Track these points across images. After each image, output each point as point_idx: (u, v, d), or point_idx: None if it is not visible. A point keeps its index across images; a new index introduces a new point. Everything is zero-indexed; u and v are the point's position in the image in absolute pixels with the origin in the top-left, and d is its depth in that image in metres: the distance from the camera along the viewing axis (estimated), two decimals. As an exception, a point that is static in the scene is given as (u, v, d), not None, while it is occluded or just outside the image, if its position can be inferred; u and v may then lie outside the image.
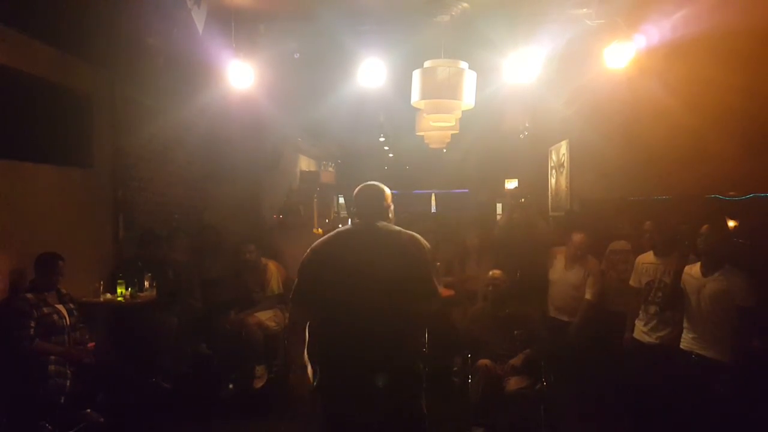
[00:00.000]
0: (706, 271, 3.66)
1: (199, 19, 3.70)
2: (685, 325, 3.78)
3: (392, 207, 2.85)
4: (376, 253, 2.59)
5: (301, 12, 4.51)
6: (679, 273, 3.81)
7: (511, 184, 10.62)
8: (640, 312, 4.15)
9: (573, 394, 4.63)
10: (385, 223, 2.73)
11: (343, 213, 15.49)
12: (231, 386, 5.14)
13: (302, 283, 2.67)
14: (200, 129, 6.85)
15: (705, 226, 3.67)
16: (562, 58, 4.84)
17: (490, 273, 4.73)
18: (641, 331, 4.12)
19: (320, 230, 11.95)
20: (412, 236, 2.68)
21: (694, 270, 3.75)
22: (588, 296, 4.75)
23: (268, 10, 4.52)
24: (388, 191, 2.87)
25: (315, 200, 12.47)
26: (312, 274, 2.65)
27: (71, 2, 3.89)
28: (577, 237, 4.86)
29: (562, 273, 4.96)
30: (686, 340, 3.74)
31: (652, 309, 4.05)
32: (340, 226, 12.50)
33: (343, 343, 2.57)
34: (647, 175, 5.34)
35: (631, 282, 4.28)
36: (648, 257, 4.19)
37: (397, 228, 2.70)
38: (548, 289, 5.09)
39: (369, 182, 2.86)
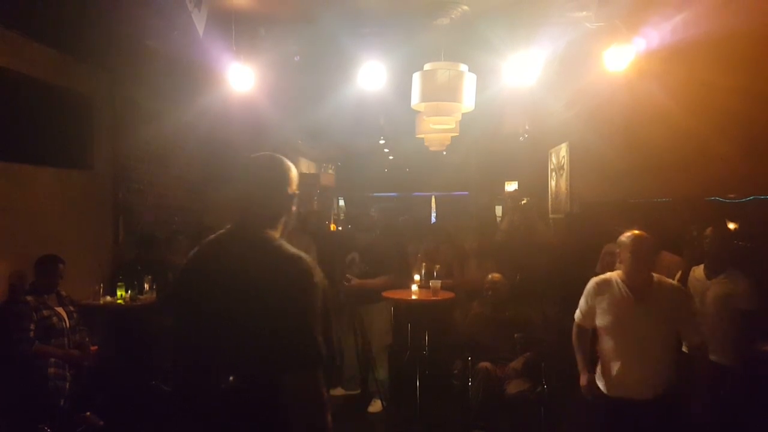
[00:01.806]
0: (710, 274, 3.66)
1: (199, 22, 3.70)
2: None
3: (294, 198, 1.88)
4: (242, 285, 1.68)
5: (301, 15, 4.52)
6: (685, 275, 3.80)
7: (511, 186, 10.61)
8: None
9: (573, 397, 4.62)
10: (270, 235, 1.79)
11: (343, 216, 15.49)
12: (231, 378, 5.14)
13: (177, 317, 1.86)
14: (200, 131, 6.85)
15: (709, 229, 3.66)
16: (561, 61, 4.84)
17: (489, 276, 4.73)
18: None
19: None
20: (297, 261, 1.71)
21: (698, 272, 3.75)
22: (697, 341, 3.02)
23: (268, 13, 4.52)
24: (291, 171, 1.86)
25: (315, 203, 12.48)
26: (179, 305, 1.85)
27: (71, 4, 3.89)
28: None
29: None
30: (688, 343, 3.74)
31: None
32: (339, 228, 12.23)
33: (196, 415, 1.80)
34: (647, 177, 5.34)
35: None
36: None
37: (280, 244, 1.77)
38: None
39: (261, 154, 1.88)
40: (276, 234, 1.82)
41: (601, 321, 3.07)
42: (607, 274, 3.16)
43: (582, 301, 3.18)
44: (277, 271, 1.69)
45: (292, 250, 1.75)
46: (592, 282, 3.15)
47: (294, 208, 1.89)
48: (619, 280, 3.05)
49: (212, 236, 1.87)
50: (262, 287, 1.67)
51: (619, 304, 2.99)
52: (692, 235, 4.05)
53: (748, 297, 3.48)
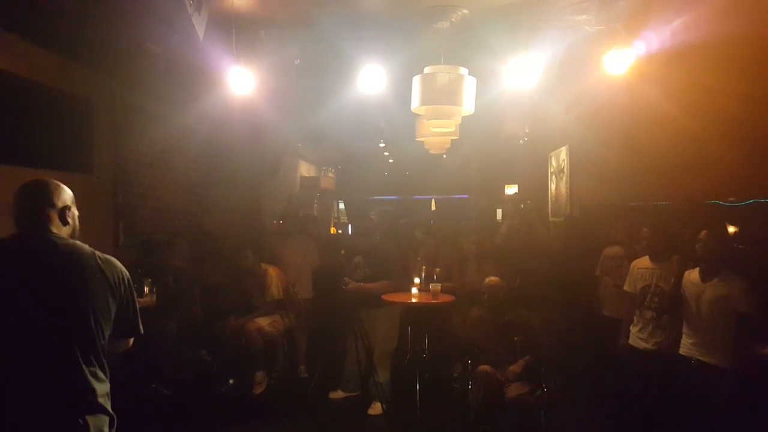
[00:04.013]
0: (705, 277, 3.66)
1: (199, 25, 3.71)
2: (684, 330, 3.77)
3: (74, 211, 2.25)
4: (43, 279, 1.96)
5: (302, 18, 4.52)
6: (679, 278, 3.81)
7: (511, 189, 10.62)
8: (635, 317, 4.14)
9: (573, 401, 4.62)
10: (60, 236, 2.09)
11: (344, 219, 15.49)
12: (231, 381, 5.18)
13: None
14: (201, 134, 6.86)
15: (703, 232, 3.67)
16: (561, 64, 4.85)
17: (487, 280, 4.74)
18: (637, 336, 4.10)
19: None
20: (104, 259, 2.07)
21: (693, 275, 3.75)
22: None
23: (268, 16, 4.53)
24: (61, 190, 2.27)
25: (315, 206, 12.48)
26: None
27: (72, 8, 3.90)
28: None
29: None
30: (686, 346, 3.74)
31: (648, 314, 4.04)
32: (339, 231, 12.32)
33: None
34: (647, 180, 5.34)
35: (625, 287, 4.27)
36: (643, 262, 4.18)
37: (79, 244, 2.08)
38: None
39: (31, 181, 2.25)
40: (59, 232, 2.08)
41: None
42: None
43: None
44: (90, 265, 1.99)
45: (72, 242, 2.03)
46: None
47: (71, 220, 2.16)
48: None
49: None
50: (78, 278, 1.95)
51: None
52: (685, 238, 4.06)
53: (743, 299, 3.48)
